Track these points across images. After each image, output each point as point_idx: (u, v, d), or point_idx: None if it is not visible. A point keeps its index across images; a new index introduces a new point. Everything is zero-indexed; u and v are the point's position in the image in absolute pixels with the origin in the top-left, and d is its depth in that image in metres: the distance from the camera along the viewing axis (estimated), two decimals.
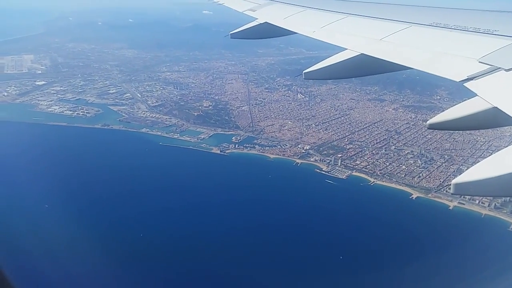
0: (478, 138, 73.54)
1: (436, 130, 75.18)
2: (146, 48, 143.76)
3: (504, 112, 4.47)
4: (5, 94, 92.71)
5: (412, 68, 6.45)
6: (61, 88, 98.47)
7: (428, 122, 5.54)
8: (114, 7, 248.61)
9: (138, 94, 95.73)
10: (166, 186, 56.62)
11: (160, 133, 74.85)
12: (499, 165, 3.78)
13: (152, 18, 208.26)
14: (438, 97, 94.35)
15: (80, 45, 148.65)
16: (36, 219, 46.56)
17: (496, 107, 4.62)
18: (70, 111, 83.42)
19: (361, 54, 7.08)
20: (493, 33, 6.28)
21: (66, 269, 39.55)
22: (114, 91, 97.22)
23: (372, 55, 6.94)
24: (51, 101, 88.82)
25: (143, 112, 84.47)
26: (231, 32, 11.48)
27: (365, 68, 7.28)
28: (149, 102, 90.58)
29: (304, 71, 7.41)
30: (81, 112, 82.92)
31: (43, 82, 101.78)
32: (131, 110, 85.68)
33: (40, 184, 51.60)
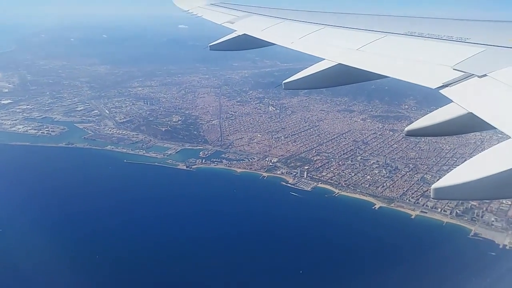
0: (444, 146, 74.58)
1: (405, 139, 76.79)
2: (119, 64, 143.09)
3: (479, 118, 4.54)
4: None
5: (388, 77, 6.45)
6: (28, 106, 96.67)
7: (405, 129, 5.54)
8: (88, 23, 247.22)
9: (107, 111, 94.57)
10: (125, 204, 55.50)
11: (125, 150, 73.74)
12: (480, 168, 3.77)
13: (126, 33, 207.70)
14: (406, 107, 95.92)
15: (52, 62, 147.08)
16: None
17: (471, 113, 4.70)
18: (35, 130, 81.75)
19: (339, 64, 7.19)
20: (466, 41, 6.43)
21: None
22: (81, 108, 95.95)
23: (349, 65, 7.03)
24: (15, 120, 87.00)
25: (109, 129, 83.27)
26: (210, 44, 11.52)
27: (343, 78, 7.37)
28: (116, 118, 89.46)
29: (283, 81, 7.43)
30: (46, 131, 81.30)
31: (9, 101, 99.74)
32: (98, 127, 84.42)
33: None
